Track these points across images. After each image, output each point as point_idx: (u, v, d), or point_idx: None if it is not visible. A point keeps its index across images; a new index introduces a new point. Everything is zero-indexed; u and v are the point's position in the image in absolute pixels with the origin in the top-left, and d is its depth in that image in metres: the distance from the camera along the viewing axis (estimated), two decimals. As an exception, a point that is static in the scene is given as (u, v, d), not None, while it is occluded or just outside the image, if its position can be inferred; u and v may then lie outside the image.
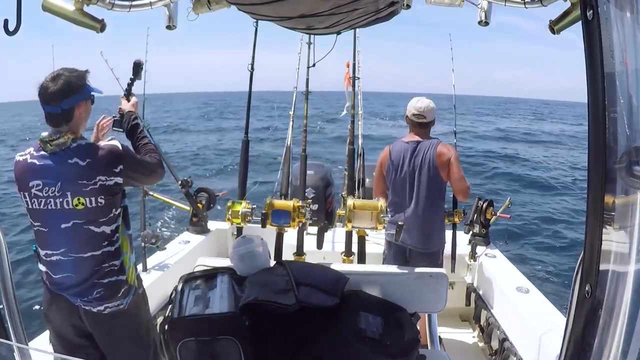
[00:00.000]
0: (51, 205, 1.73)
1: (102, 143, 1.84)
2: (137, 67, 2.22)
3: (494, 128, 28.92)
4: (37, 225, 1.79)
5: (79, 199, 1.73)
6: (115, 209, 1.83)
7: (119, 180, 1.79)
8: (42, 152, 1.75)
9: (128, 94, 2.23)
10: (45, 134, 1.75)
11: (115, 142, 1.85)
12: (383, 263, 2.99)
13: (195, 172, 12.58)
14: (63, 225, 1.75)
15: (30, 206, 1.76)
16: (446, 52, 3.44)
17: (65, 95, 1.74)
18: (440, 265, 2.88)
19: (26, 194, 1.75)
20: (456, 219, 2.92)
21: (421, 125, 2.86)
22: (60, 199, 1.72)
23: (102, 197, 1.76)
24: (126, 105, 2.18)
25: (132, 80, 2.23)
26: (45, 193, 1.72)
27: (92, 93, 1.86)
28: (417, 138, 2.86)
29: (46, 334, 2.03)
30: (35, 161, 1.74)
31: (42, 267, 1.84)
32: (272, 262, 2.17)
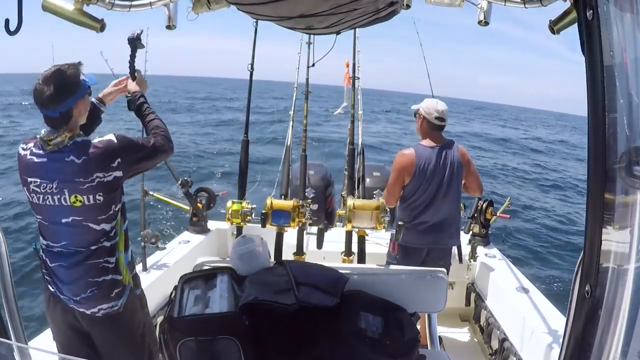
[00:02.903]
0: (49, 201, 1.73)
1: (97, 140, 1.81)
2: (133, 42, 2.09)
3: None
4: (39, 218, 1.81)
5: (76, 197, 1.72)
6: (115, 205, 1.82)
7: (118, 174, 1.77)
8: (41, 150, 1.74)
9: (132, 72, 2.16)
10: (43, 131, 1.74)
11: (110, 137, 1.81)
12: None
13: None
14: (63, 220, 1.75)
15: (31, 200, 1.78)
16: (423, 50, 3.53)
17: (62, 98, 1.70)
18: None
19: (26, 188, 1.77)
20: None
21: (440, 129, 2.92)
22: (58, 196, 1.72)
23: (101, 193, 1.75)
24: (131, 86, 2.16)
25: (132, 58, 2.13)
26: (43, 189, 1.72)
27: (89, 85, 1.81)
28: (438, 141, 2.91)
29: (46, 334, 2.03)
30: (34, 158, 1.74)
31: (43, 264, 1.83)
32: (272, 262, 2.17)
